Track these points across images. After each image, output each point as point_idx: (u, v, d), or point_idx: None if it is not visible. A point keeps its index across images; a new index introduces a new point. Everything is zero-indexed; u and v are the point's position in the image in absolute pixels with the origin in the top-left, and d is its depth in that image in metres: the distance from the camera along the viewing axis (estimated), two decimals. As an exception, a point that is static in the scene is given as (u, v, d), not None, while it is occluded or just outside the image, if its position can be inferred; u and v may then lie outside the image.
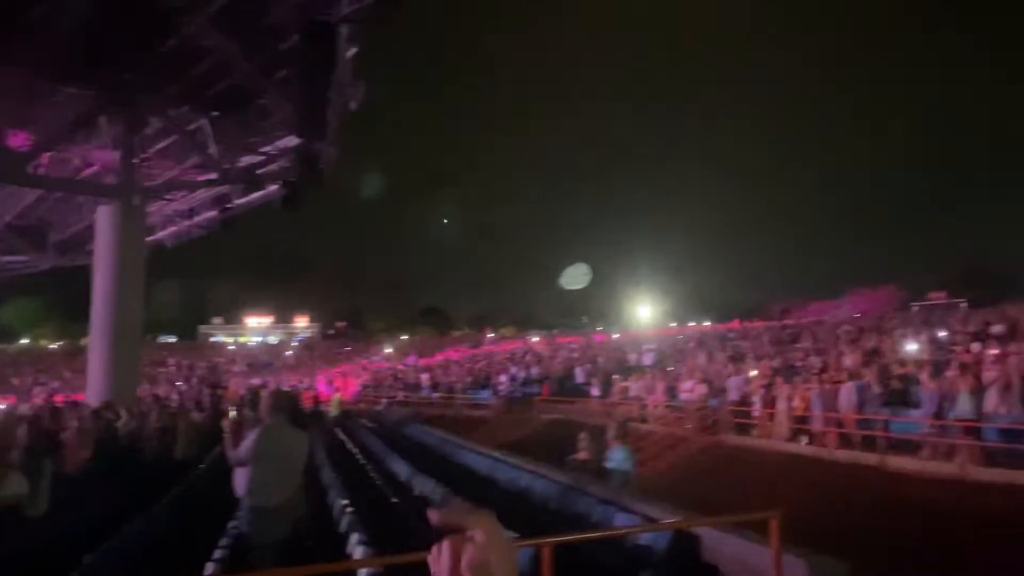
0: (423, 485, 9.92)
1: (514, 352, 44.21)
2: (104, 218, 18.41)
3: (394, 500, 8.85)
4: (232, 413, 10.12)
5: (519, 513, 7.89)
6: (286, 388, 33.21)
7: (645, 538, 5.44)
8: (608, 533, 4.99)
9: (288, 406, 6.73)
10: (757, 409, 17.17)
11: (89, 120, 17.23)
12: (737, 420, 17.72)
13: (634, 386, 23.06)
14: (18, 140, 17.21)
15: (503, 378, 30.65)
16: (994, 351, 15.61)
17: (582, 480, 7.90)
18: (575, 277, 52.20)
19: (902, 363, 17.00)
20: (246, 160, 19.94)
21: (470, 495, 8.33)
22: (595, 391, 24.94)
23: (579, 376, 28.34)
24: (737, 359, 23.92)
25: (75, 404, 18.52)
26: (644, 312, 61.97)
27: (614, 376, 25.26)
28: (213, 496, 8.18)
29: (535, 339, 53.80)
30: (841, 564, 4.45)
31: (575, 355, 36.67)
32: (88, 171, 20.33)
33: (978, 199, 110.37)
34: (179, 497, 8.87)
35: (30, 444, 9.21)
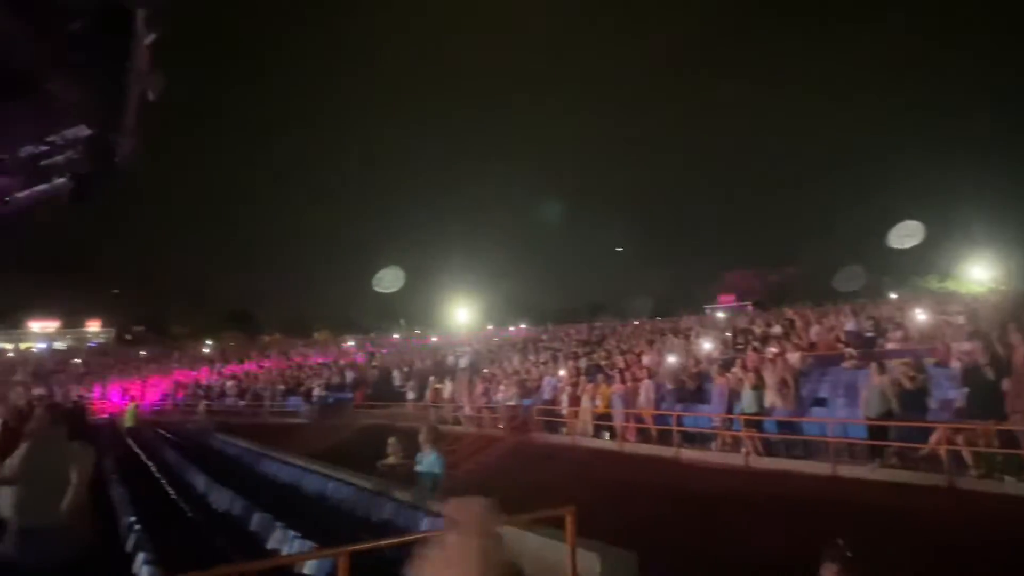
0: (221, 498, 9.43)
1: (328, 357, 43.17)
2: None
3: (189, 515, 8.35)
4: None
5: (324, 521, 7.70)
6: (74, 398, 30.49)
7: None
8: (405, 539, 4.96)
9: (66, 418, 6.15)
10: (566, 408, 17.83)
11: None
12: (547, 419, 18.31)
13: (450, 388, 23.21)
14: None
15: (316, 384, 29.82)
16: (773, 350, 17.15)
17: (390, 485, 7.83)
18: (389, 280, 51.83)
19: (696, 362, 18.28)
20: (28, 150, 18.09)
21: (272, 506, 8.02)
22: (411, 394, 24.86)
23: (396, 380, 28.13)
24: (548, 360, 24.70)
25: None
26: (462, 315, 62.62)
27: (431, 379, 25.29)
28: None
29: (351, 343, 52.80)
30: (631, 554, 4.69)
31: (392, 358, 36.36)
32: None
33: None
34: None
35: None
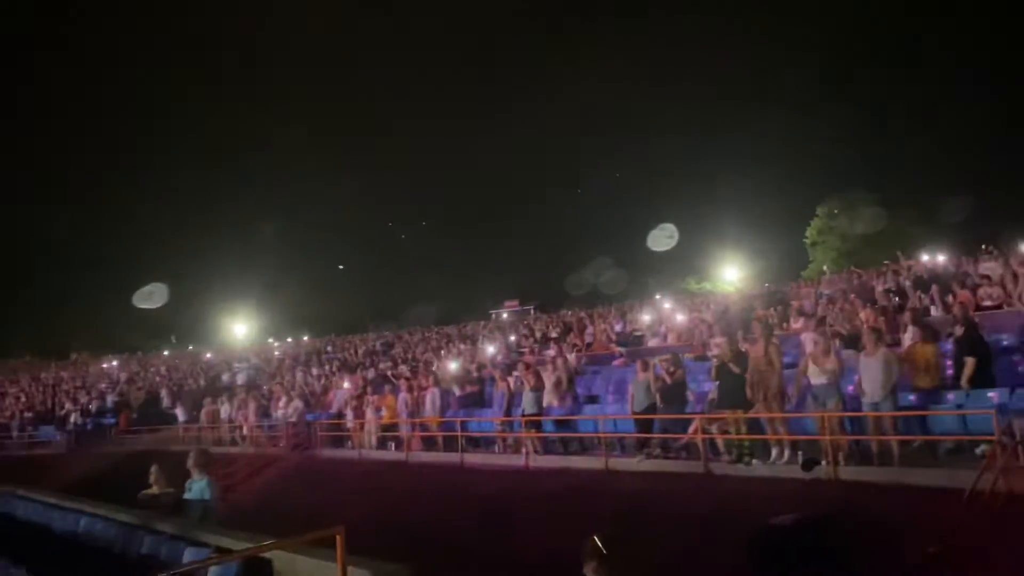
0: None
1: (85, 378, 39.30)
2: None
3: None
4: None
5: (79, 561, 6.97)
6: None
7: (214, 572, 5.13)
8: (165, 575, 4.59)
9: None
10: (350, 420, 17.50)
11: None
12: (332, 433, 17.87)
13: (225, 408, 21.97)
14: None
15: (72, 410, 27.00)
16: (551, 352, 17.90)
17: (151, 517, 7.22)
18: (150, 296, 48.21)
19: (480, 366, 18.64)
20: None
21: (15, 551, 7.12)
22: (182, 416, 23.29)
23: (165, 401, 26.20)
24: (334, 372, 24.15)
25: None
26: (239, 329, 59.64)
27: (204, 399, 23.80)
28: None
29: (114, 363, 48.46)
30: (404, 568, 4.64)
31: (160, 378, 33.85)
32: None
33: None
34: None
35: None
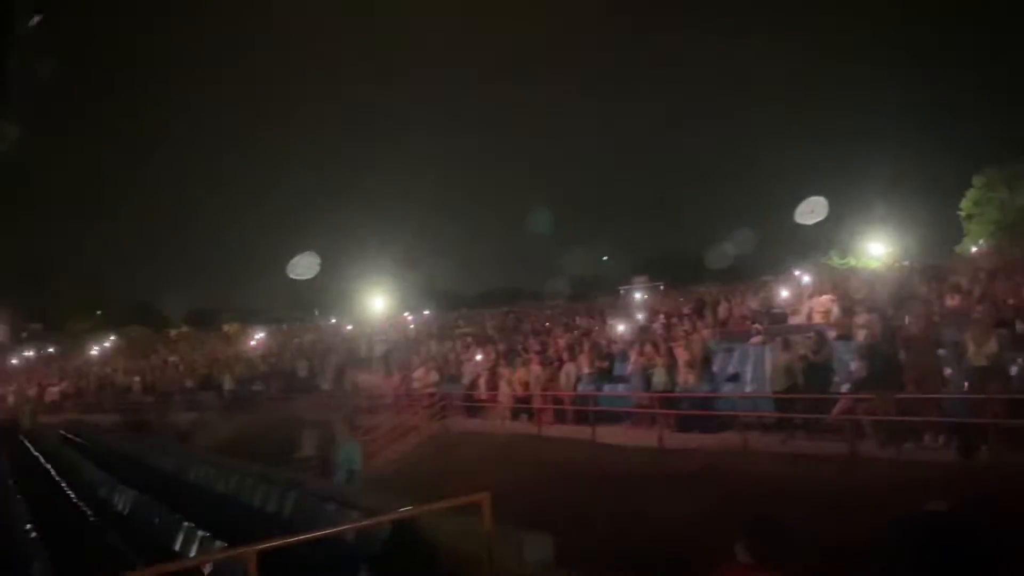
0: (125, 499, 9.03)
1: (237, 348, 42.03)
2: None
3: (90, 518, 7.97)
4: None
5: (235, 519, 7.45)
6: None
7: (362, 532, 5.36)
8: (318, 534, 4.83)
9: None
10: (483, 393, 17.85)
11: None
12: (465, 404, 18.29)
13: (366, 377, 22.90)
14: None
15: (226, 377, 28.95)
16: (685, 328, 17.56)
17: (304, 479, 7.64)
18: (304, 267, 50.53)
19: (611, 342, 18.54)
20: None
21: (179, 505, 7.71)
22: (326, 385, 24.44)
23: (310, 370, 27.59)
24: (466, 346, 24.67)
25: None
26: (377, 302, 61.83)
27: (346, 368, 24.90)
28: None
29: (262, 334, 51.45)
30: (547, 537, 4.68)
31: (305, 349, 35.65)
32: None
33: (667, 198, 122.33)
34: None
35: None
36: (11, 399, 34.55)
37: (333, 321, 61.09)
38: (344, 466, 7.99)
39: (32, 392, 36.40)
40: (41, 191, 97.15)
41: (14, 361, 58.10)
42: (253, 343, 46.65)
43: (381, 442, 16.64)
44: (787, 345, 12.08)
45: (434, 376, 20.12)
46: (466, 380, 19.41)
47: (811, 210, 36.90)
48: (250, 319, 71.23)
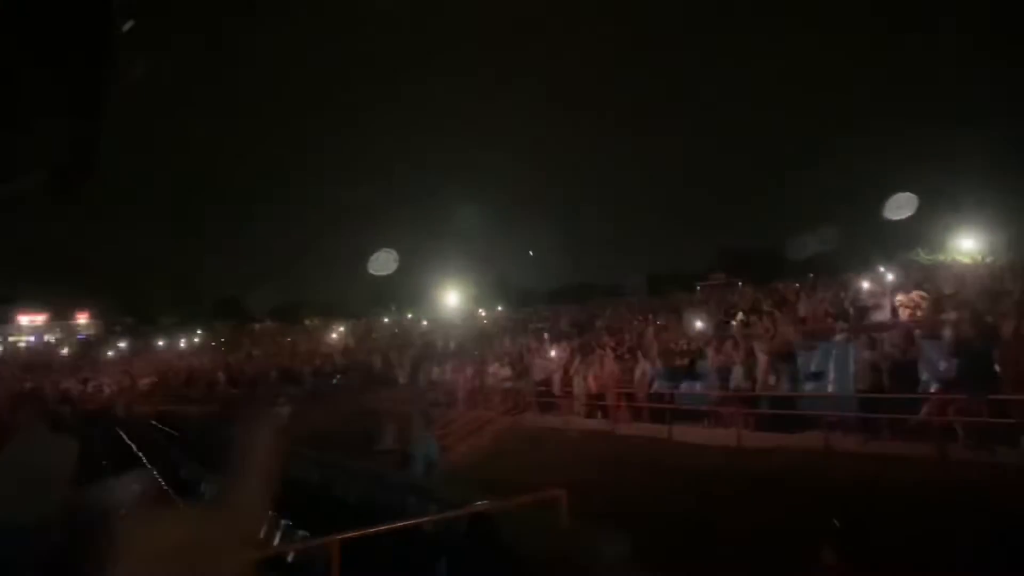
0: (214, 486, 9.37)
1: (318, 342, 43.09)
2: None
3: (179, 504, 8.29)
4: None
5: (317, 509, 7.65)
6: (61, 390, 30.33)
7: (441, 524, 5.45)
8: (398, 525, 4.93)
9: (46, 410, 6.07)
10: (557, 389, 17.84)
11: None
12: (539, 400, 18.31)
13: (441, 372, 23.19)
14: None
15: (307, 370, 29.74)
16: (764, 326, 17.17)
17: (385, 470, 7.80)
18: (384, 263, 51.42)
19: (688, 339, 18.29)
20: (5, 143, 17.87)
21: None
22: (403, 379, 24.84)
23: (387, 365, 28.08)
24: (540, 341, 24.70)
25: None
26: (452, 298, 62.51)
27: (422, 363, 25.25)
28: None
29: (342, 328, 52.65)
30: (624, 535, 4.66)
31: (383, 344, 36.31)
32: None
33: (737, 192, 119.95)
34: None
35: None
36: (106, 390, 36.20)
37: (409, 316, 62.02)
38: (422, 459, 8.13)
39: (125, 383, 38.12)
40: (135, 193, 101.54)
41: (108, 353, 60.88)
42: (333, 337, 47.77)
43: (456, 436, 16.82)
44: (872, 343, 11.69)
45: (508, 372, 20.22)
46: (539, 376, 19.43)
47: (901, 205, 35.59)
48: (330, 314, 72.97)
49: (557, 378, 18.06)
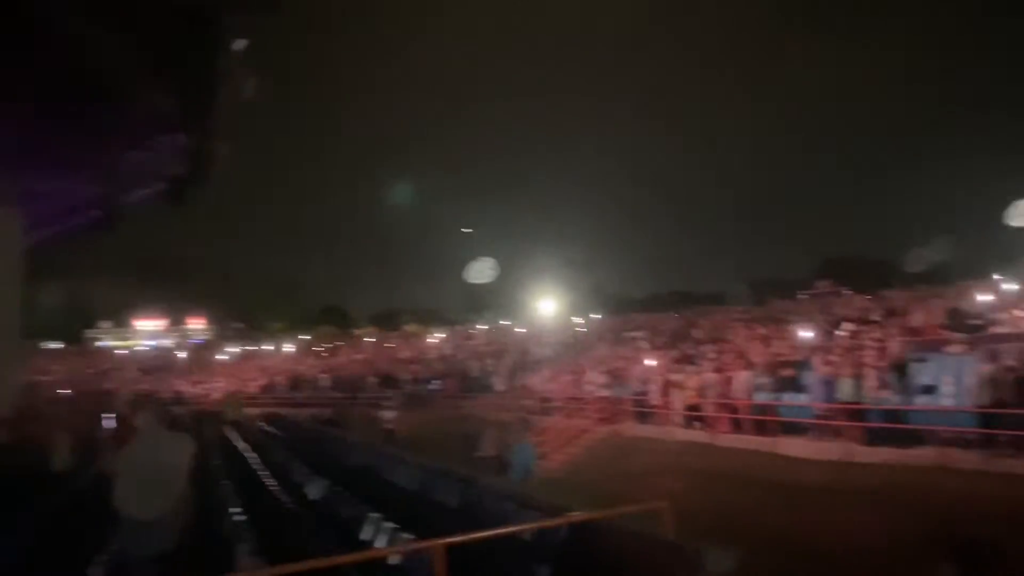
0: (317, 488, 9.68)
1: (418, 348, 43.90)
2: (-28, 219, 17.18)
3: (288, 505, 8.59)
4: (111, 422, 9.64)
5: (416, 512, 7.79)
6: (175, 392, 31.96)
7: (541, 532, 5.45)
8: (501, 531, 4.96)
9: (169, 411, 6.42)
10: (655, 398, 17.59)
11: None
12: (636, 409, 18.11)
13: (538, 379, 23.25)
14: None
15: (406, 376, 30.34)
16: (874, 336, 16.47)
17: (484, 476, 7.87)
18: (482, 271, 51.91)
19: (793, 349, 17.72)
20: (129, 156, 18.99)
21: (366, 496, 8.17)
22: (500, 386, 25.03)
23: (484, 371, 28.35)
24: (637, 350, 24.44)
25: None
26: (548, 306, 62.55)
27: (517, 370, 25.41)
28: (92, 508, 7.75)
29: (439, 335, 53.50)
30: (730, 552, 4.55)
31: (480, 350, 36.68)
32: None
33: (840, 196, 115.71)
34: (57, 510, 8.38)
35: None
36: (216, 393, 37.89)
37: (506, 323, 62.41)
38: (520, 466, 8.16)
39: (234, 386, 39.82)
40: (247, 204, 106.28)
41: (219, 357, 63.71)
42: (430, 343, 48.58)
43: (552, 444, 16.82)
44: (994, 356, 11.06)
45: (604, 380, 20.08)
46: (637, 385, 19.23)
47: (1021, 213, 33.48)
48: (428, 320, 74.38)
49: (655, 387, 17.81)
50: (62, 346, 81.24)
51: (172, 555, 5.50)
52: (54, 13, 12.75)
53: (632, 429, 17.57)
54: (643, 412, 17.95)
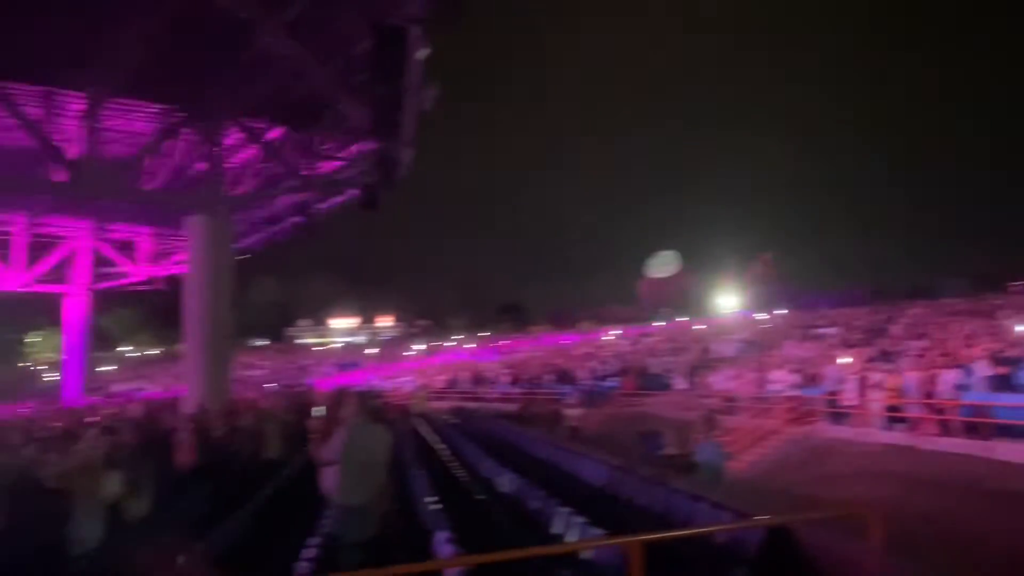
0: (507, 481, 9.90)
1: (594, 345, 43.96)
2: (193, 229, 19.10)
3: (479, 497, 8.86)
4: (318, 413, 10.33)
5: (603, 510, 7.78)
6: (369, 387, 33.84)
7: (735, 534, 5.27)
8: (702, 530, 4.85)
9: (371, 405, 6.80)
10: (850, 397, 16.55)
11: (173, 134, 18.08)
12: (829, 410, 17.13)
13: (720, 377, 22.57)
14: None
15: (583, 372, 30.44)
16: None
17: (669, 475, 7.74)
18: (663, 264, 51.06)
19: (1012, 345, 16.11)
20: (325, 166, 20.40)
21: (553, 491, 8.26)
22: (679, 383, 24.52)
23: (661, 368, 27.90)
24: (829, 346, 23.17)
25: (173, 404, 19.41)
26: (728, 301, 60.78)
27: (698, 367, 24.78)
28: (302, 495, 8.36)
29: (616, 332, 53.30)
30: (940, 566, 4.20)
31: (658, 347, 36.19)
32: (176, 184, 21.19)
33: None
34: (270, 497, 9.11)
35: (136, 445, 9.67)
36: (406, 387, 39.79)
37: (684, 319, 61.23)
38: (708, 466, 7.95)
39: (422, 380, 41.64)
40: (430, 207, 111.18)
41: (406, 353, 67.02)
42: (606, 339, 48.52)
43: (739, 445, 16.24)
44: None
45: (793, 378, 19.16)
46: (830, 384, 18.17)
47: None
48: (603, 318, 74.36)
49: (850, 386, 16.74)
50: (267, 343, 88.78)
51: (377, 540, 5.83)
52: (270, 39, 13.98)
53: (825, 430, 16.62)
54: (837, 413, 16.94)
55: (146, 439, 10.63)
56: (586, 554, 5.59)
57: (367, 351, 74.13)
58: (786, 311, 53.24)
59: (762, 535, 5.03)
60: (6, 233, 28.75)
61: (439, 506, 7.78)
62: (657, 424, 11.78)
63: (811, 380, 19.21)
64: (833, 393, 17.45)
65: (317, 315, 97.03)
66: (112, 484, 7.35)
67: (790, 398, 18.29)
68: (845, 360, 18.94)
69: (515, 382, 33.99)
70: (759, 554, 4.97)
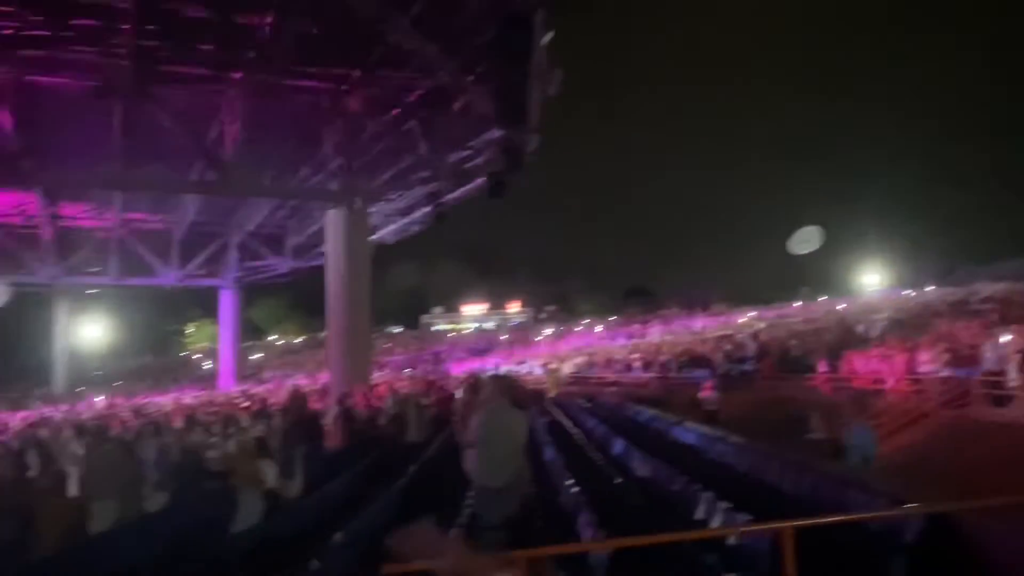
0: (641, 464, 9.86)
1: (728, 327, 42.85)
2: (332, 222, 20.01)
3: (617, 480, 8.86)
4: (458, 397, 10.64)
5: (751, 495, 7.61)
6: (504, 371, 34.32)
7: (890, 521, 5.04)
8: (851, 517, 4.67)
9: (508, 388, 6.93)
10: (1012, 378, 15.41)
11: (310, 131, 18.97)
12: (988, 391, 16.01)
13: (865, 359, 21.48)
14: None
15: (719, 356, 29.72)
16: None
17: (817, 460, 7.49)
18: (805, 241, 48.35)
19: None
20: (454, 156, 20.84)
21: (693, 476, 8.15)
22: (821, 366, 23.53)
23: (803, 350, 26.83)
24: (986, 324, 21.60)
25: (321, 390, 20.47)
26: (873, 278, 57.69)
27: (842, 349, 23.65)
28: (444, 476, 8.64)
29: (751, 313, 51.70)
30: None
31: (796, 328, 34.89)
32: (315, 179, 22.25)
33: None
34: (414, 478, 9.46)
35: (287, 429, 10.30)
36: (537, 371, 40.18)
37: (824, 298, 58.62)
38: (857, 450, 7.63)
39: (553, 365, 41.90)
40: (559, 192, 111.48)
41: (536, 338, 67.60)
42: (742, 321, 47.20)
43: (888, 428, 15.46)
44: None
45: (945, 358, 17.99)
46: (988, 364, 16.94)
47: None
48: (738, 299, 72.21)
49: (1013, 366, 15.56)
50: (401, 330, 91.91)
51: (519, 521, 5.97)
52: (399, 34, 14.43)
53: (984, 413, 15.54)
54: (998, 395, 15.80)
55: (296, 423, 11.29)
56: (732, 540, 5.50)
57: (499, 337, 75.32)
58: (935, 287, 50.01)
59: (921, 523, 4.78)
60: (167, 231, 31.18)
61: (577, 488, 7.86)
62: (801, 407, 11.32)
63: (966, 360, 18.00)
64: (992, 373, 16.30)
65: (449, 302, 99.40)
66: (268, 466, 7.89)
67: (944, 379, 17.23)
68: (1005, 338, 17.61)
69: (647, 366, 33.60)
70: (919, 543, 4.73)
